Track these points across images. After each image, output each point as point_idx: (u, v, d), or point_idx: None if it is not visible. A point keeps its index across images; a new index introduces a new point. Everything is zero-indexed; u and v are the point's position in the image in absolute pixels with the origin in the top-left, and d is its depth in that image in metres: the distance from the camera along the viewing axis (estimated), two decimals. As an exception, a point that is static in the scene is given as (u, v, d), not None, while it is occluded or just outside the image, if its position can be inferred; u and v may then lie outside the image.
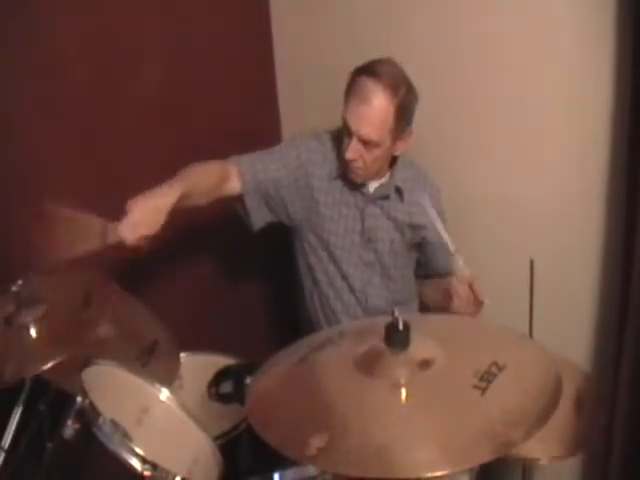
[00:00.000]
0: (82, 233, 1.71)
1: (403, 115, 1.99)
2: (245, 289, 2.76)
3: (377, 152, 2.01)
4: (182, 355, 2.14)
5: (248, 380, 2.10)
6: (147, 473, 1.53)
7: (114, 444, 1.55)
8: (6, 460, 1.66)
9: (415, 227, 2.18)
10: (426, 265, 2.29)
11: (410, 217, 2.17)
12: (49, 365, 1.60)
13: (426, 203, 1.92)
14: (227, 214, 2.24)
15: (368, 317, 2.20)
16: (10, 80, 1.99)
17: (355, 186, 2.15)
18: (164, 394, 1.79)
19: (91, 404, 1.58)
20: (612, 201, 2.04)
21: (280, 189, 2.13)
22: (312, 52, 2.62)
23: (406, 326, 1.40)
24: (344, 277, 2.20)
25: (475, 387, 1.32)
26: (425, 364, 1.38)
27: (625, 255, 1.93)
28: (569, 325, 2.17)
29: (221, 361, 2.21)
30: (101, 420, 1.56)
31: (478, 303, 1.87)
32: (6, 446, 1.66)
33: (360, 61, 2.03)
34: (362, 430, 1.28)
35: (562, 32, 2.01)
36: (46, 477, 1.64)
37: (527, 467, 1.92)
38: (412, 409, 1.33)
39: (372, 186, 2.16)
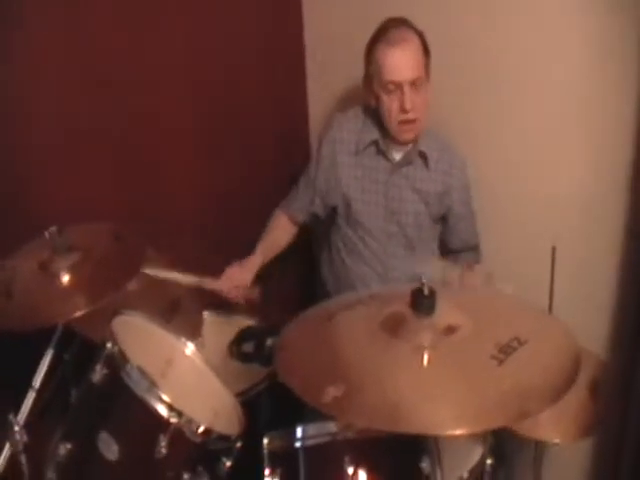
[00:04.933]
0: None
1: (426, 43, 2.17)
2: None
3: (424, 90, 2.15)
4: (205, 313, 2.26)
5: (269, 341, 2.23)
6: (173, 420, 1.65)
7: (141, 390, 1.66)
8: (36, 400, 1.77)
9: (442, 197, 2.30)
10: (448, 238, 2.40)
11: (436, 185, 2.29)
12: (79, 313, 1.71)
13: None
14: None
15: (391, 289, 2.31)
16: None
17: (380, 157, 2.28)
18: (189, 348, 1.91)
19: (120, 351, 1.70)
20: (633, 190, 2.11)
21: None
22: (341, 27, 2.72)
23: (432, 292, 1.51)
24: (367, 249, 2.31)
25: (493, 357, 1.43)
26: (448, 330, 1.50)
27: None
28: (588, 312, 2.25)
29: (242, 321, 2.33)
30: (129, 366, 1.68)
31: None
32: (37, 386, 1.77)
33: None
34: (380, 386, 1.41)
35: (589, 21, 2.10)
36: (73, 420, 1.76)
37: (539, 447, 2.02)
38: (431, 372, 1.44)
39: (397, 154, 2.27)
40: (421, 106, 2.16)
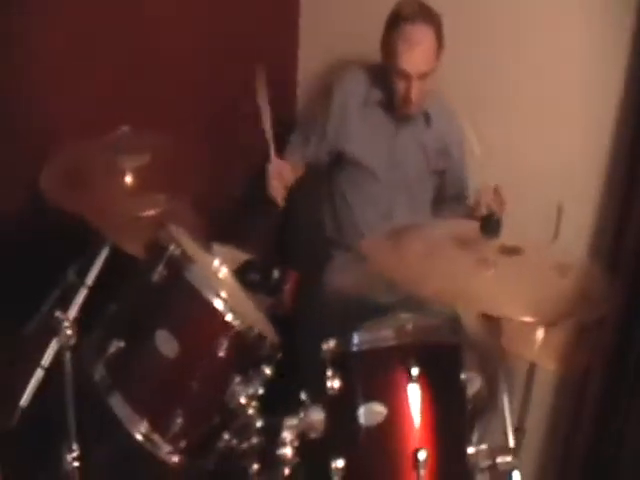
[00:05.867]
0: None
1: (441, 33, 2.33)
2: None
3: (430, 77, 2.33)
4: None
5: (276, 273, 2.34)
6: (235, 322, 1.74)
7: (207, 290, 1.74)
8: (89, 297, 1.79)
9: (441, 153, 2.51)
10: (441, 190, 2.62)
11: (437, 143, 2.50)
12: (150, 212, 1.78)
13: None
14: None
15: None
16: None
17: (386, 114, 2.46)
18: (223, 272, 2.00)
19: (184, 252, 1.77)
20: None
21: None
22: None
23: (499, 217, 1.71)
24: (372, 196, 2.48)
25: (555, 270, 1.68)
26: (514, 250, 1.72)
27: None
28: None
29: (244, 255, 2.40)
30: (195, 267, 1.76)
31: (502, 204, 2.21)
32: (89, 283, 1.79)
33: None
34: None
35: (579, 26, 2.42)
36: (126, 319, 1.81)
37: (531, 371, 2.25)
38: (499, 279, 1.66)
39: (402, 114, 2.45)
40: (425, 91, 2.36)
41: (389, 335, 1.75)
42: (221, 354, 1.74)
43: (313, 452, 1.71)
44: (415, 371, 1.69)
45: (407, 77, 2.30)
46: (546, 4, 2.48)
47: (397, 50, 2.29)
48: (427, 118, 2.47)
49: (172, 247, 1.78)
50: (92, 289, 1.82)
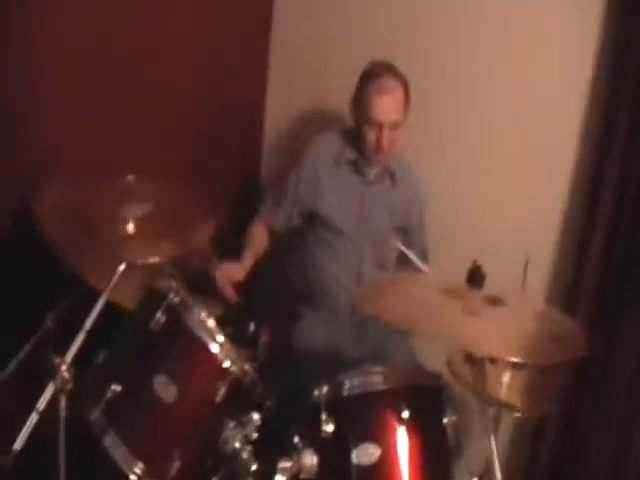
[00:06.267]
0: None
1: (409, 90, 2.52)
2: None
3: (400, 130, 2.49)
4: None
5: (251, 326, 2.42)
6: (232, 368, 1.83)
7: (206, 337, 1.82)
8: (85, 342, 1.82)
9: (405, 213, 2.67)
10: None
11: (402, 203, 2.66)
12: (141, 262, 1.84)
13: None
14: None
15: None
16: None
17: (355, 174, 2.61)
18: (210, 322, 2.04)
19: (183, 300, 1.84)
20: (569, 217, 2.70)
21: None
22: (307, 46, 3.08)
23: (484, 271, 1.86)
24: (340, 254, 2.60)
25: (534, 318, 1.82)
26: (497, 301, 1.87)
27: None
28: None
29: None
30: (195, 314, 1.84)
31: None
32: (88, 327, 1.82)
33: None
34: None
35: (541, 50, 2.67)
36: (125, 364, 1.86)
37: (497, 416, 2.35)
38: (482, 326, 1.82)
39: (371, 173, 2.62)
40: (396, 142, 2.52)
41: (378, 380, 1.86)
42: (217, 399, 1.81)
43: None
44: (405, 413, 1.80)
45: (379, 126, 2.45)
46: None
47: (369, 101, 2.46)
48: (393, 178, 2.62)
49: (171, 295, 1.85)
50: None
